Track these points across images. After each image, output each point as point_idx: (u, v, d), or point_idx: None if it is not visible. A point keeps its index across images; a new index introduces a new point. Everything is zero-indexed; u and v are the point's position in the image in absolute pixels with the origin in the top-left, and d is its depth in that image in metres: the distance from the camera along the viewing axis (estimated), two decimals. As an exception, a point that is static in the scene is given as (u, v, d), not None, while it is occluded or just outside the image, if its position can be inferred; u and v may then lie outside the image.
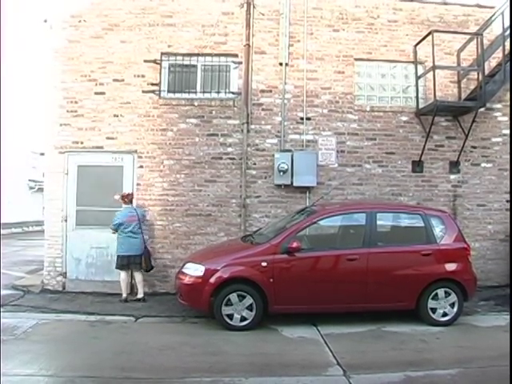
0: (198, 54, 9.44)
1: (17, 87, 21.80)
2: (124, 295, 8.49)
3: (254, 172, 9.38)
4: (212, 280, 6.91)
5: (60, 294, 8.90)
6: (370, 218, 7.35)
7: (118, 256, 8.53)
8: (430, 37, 9.11)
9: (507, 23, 9.16)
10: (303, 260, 7.07)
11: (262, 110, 9.46)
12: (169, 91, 9.51)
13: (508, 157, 9.70)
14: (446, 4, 9.88)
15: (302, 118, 9.49)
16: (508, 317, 7.24)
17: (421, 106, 9.58)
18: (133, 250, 8.43)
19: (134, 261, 8.45)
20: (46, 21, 9.40)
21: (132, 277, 8.70)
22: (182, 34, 9.41)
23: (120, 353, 5.91)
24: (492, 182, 9.79)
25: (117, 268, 8.54)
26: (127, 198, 8.72)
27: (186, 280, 7.14)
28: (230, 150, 9.37)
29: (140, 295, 8.54)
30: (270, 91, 9.49)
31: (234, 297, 6.90)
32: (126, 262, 8.45)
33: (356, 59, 9.71)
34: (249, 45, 9.37)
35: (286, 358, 5.88)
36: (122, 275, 8.52)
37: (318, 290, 6.98)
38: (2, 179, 20.46)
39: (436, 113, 9.11)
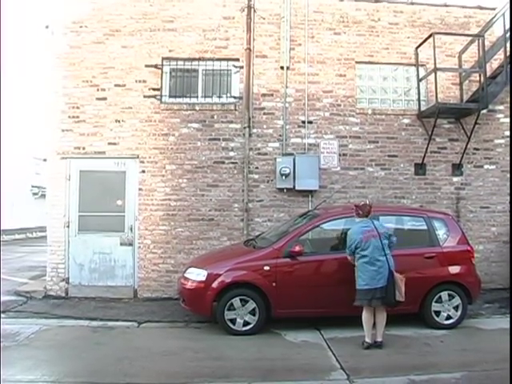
0: (199, 59, 9.45)
1: (19, 93, 21.86)
2: (368, 340, 6.31)
3: (256, 176, 9.37)
4: (214, 285, 6.90)
5: (63, 300, 8.88)
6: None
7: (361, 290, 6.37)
8: (431, 39, 9.10)
9: (508, 24, 9.15)
10: (306, 264, 7.05)
11: (264, 113, 9.46)
12: (170, 96, 9.51)
13: (511, 158, 9.67)
14: (446, 6, 9.89)
15: (303, 122, 9.48)
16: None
17: (423, 108, 9.56)
18: (374, 281, 6.25)
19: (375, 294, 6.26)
20: (47, 27, 9.46)
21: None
22: (183, 38, 9.42)
23: (122, 358, 5.88)
24: (495, 184, 9.75)
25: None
26: (362, 210, 6.56)
27: (189, 285, 7.13)
28: (231, 154, 9.37)
29: (379, 338, 6.34)
30: (272, 95, 9.49)
31: (236, 301, 6.87)
32: (369, 297, 6.28)
33: (357, 62, 9.71)
34: (250, 49, 9.37)
35: (289, 362, 5.85)
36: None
37: (321, 294, 6.93)
38: (2, 185, 20.50)
39: (438, 115, 9.11)
